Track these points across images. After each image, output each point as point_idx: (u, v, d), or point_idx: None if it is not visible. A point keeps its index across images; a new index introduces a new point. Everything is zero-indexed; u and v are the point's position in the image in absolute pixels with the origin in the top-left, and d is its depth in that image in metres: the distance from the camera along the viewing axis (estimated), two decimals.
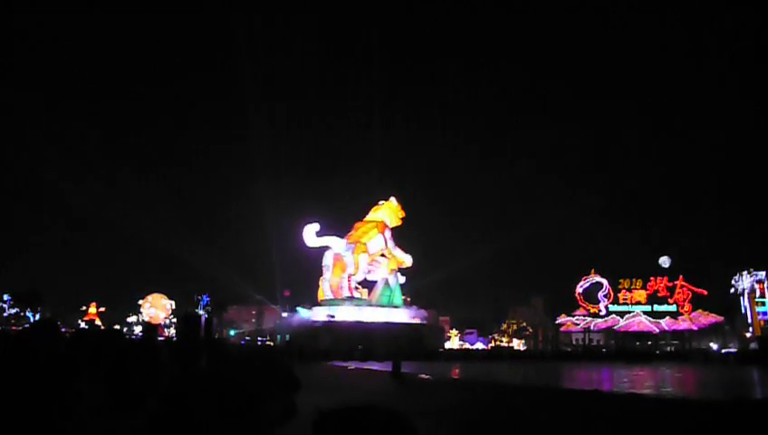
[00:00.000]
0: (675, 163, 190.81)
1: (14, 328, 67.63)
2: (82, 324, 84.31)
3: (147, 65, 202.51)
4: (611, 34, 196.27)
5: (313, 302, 75.59)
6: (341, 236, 74.88)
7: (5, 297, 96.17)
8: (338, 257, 73.43)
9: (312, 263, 76.08)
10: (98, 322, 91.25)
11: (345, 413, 1.28)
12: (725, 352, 76.87)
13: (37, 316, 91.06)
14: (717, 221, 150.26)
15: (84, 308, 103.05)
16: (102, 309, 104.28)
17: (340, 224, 78.69)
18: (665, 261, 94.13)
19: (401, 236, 78.59)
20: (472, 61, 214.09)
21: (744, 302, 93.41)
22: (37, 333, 2.45)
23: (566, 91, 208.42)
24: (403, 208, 78.25)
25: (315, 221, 73.87)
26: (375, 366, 37.29)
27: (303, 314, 73.48)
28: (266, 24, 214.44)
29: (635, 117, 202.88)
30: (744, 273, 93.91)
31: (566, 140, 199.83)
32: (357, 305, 71.34)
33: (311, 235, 73.34)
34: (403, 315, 73.87)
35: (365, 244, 73.82)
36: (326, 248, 74.68)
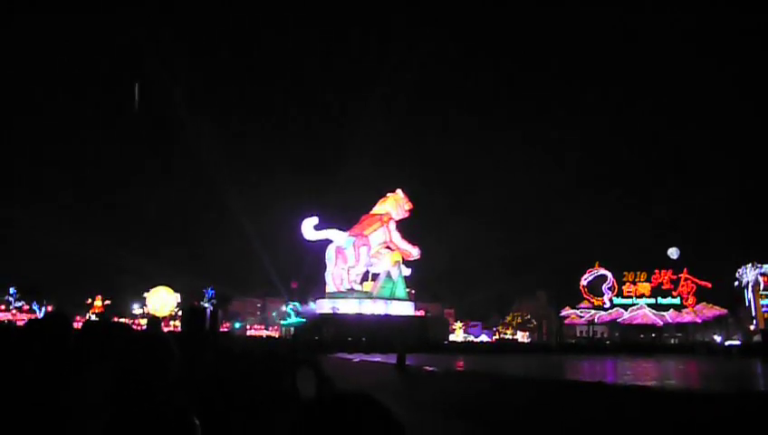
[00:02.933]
0: (679, 156, 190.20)
1: (19, 321, 68.00)
2: (93, 317, 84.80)
3: (140, 57, 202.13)
4: (622, 28, 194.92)
5: (320, 294, 75.99)
6: (344, 229, 75.08)
7: (11, 290, 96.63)
8: (340, 250, 73.69)
9: (321, 255, 76.40)
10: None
11: (327, 403, 1.29)
12: (729, 345, 76.92)
13: (43, 309, 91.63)
14: (722, 213, 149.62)
15: (90, 301, 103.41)
16: (108, 302, 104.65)
17: (347, 216, 78.93)
18: (673, 252, 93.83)
19: (409, 228, 78.69)
20: (481, 50, 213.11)
21: (749, 295, 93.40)
22: (48, 325, 2.50)
23: (574, 81, 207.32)
24: (410, 200, 78.18)
25: (314, 214, 74.10)
26: (379, 358, 37.45)
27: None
28: (265, 11, 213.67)
29: (642, 108, 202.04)
30: (749, 266, 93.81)
31: (573, 132, 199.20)
32: (357, 298, 71.65)
33: (309, 228, 73.59)
34: (405, 308, 74.13)
35: (367, 236, 74.04)
36: (329, 241, 74.97)
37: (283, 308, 78.06)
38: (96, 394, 2.27)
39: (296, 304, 76.05)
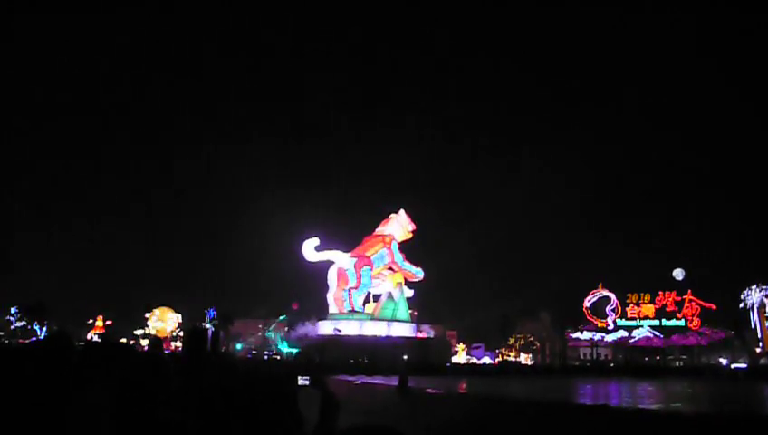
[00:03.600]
0: (683, 176, 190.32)
1: (21, 341, 67.75)
2: (95, 337, 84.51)
3: (142, 72, 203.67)
4: (626, 39, 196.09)
5: (322, 316, 75.67)
6: (346, 250, 74.91)
7: (12, 310, 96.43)
8: (341, 272, 73.46)
9: (322, 276, 76.17)
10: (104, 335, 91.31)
11: (363, 432, 1.28)
12: (735, 368, 76.17)
13: (44, 329, 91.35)
14: (726, 235, 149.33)
15: (91, 321, 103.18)
16: (109, 322, 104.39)
17: (350, 237, 78.84)
18: (679, 273, 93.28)
19: (412, 250, 78.48)
20: (483, 67, 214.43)
21: (754, 316, 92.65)
22: (51, 345, 2.49)
23: (572, 100, 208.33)
24: (413, 221, 78.04)
25: (315, 235, 73.93)
26: (381, 380, 37.13)
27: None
28: (265, 29, 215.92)
29: (644, 127, 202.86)
30: (754, 287, 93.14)
31: (575, 152, 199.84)
32: (358, 320, 71.25)
33: (310, 249, 73.38)
34: (407, 329, 73.68)
35: (369, 257, 73.85)
36: (331, 263, 74.79)
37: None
38: (99, 398, 2.27)
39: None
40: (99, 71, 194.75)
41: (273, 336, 74.27)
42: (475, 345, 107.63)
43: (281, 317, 76.10)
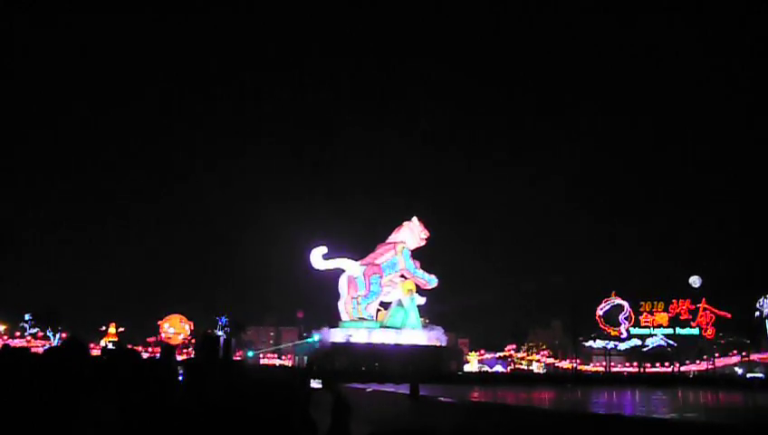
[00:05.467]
0: (698, 185, 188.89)
1: (33, 347, 68.12)
2: (110, 345, 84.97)
3: (152, 78, 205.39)
4: (633, 41, 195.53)
5: (332, 323, 75.60)
6: (358, 259, 74.85)
7: (26, 317, 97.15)
8: (351, 279, 73.42)
9: (333, 284, 76.12)
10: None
11: None
12: (750, 377, 75.15)
13: (57, 336, 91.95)
14: (742, 243, 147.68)
15: (104, 328, 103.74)
16: (121, 329, 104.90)
17: (361, 246, 78.79)
18: (695, 280, 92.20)
19: (425, 257, 78.09)
20: (496, 79, 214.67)
21: None
22: (66, 351, 2.53)
23: (585, 108, 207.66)
24: (427, 229, 77.64)
25: (322, 244, 73.99)
26: (392, 388, 36.98)
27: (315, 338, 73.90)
28: (276, 36, 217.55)
29: (658, 135, 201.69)
30: None
31: (588, 161, 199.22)
32: (368, 327, 71.01)
33: (318, 258, 73.45)
34: (418, 337, 73.25)
35: (379, 265, 73.68)
36: (340, 271, 74.79)
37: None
38: (104, 418, 2.30)
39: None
40: (110, 76, 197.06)
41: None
42: (487, 354, 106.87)
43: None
